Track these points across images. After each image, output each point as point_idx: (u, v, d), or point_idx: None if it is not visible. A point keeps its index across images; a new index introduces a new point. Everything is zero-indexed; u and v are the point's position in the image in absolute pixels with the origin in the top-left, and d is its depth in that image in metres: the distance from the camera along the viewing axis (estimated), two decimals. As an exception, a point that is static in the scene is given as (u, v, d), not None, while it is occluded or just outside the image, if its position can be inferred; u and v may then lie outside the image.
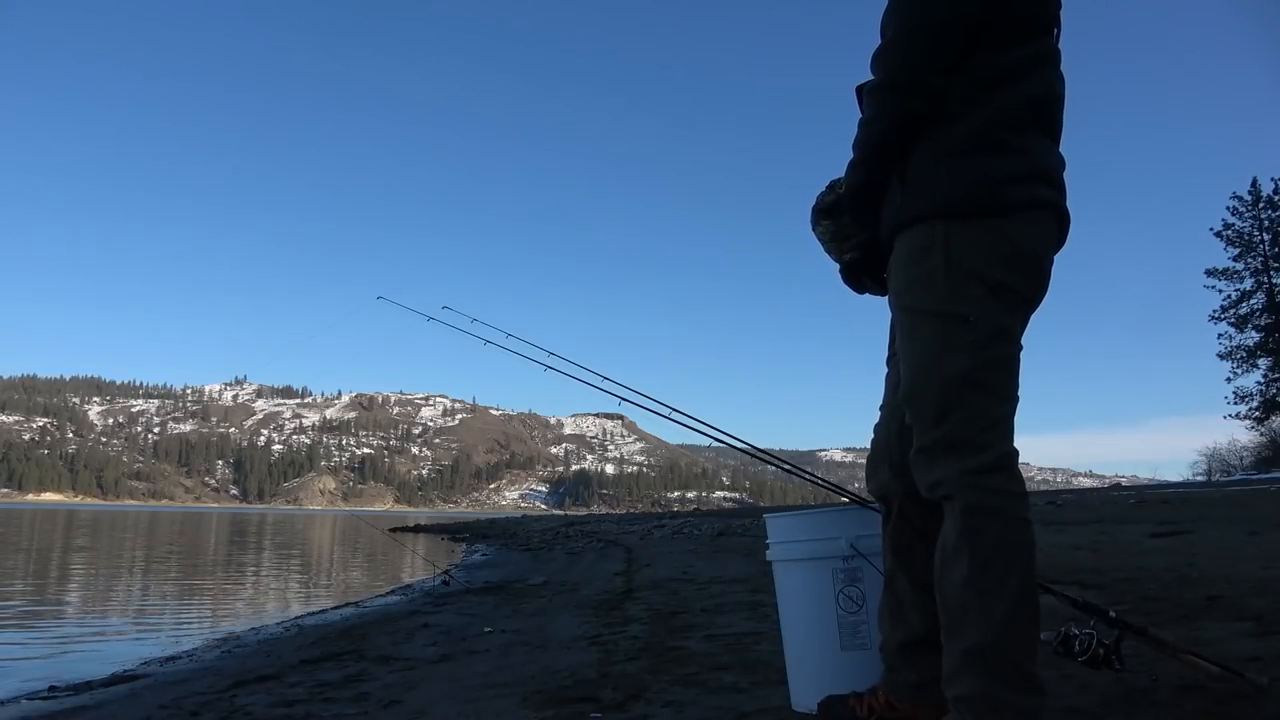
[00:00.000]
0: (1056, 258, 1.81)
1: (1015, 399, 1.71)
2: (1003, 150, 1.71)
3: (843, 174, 1.95)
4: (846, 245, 2.03)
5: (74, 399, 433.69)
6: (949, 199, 1.70)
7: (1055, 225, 1.77)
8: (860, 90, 1.86)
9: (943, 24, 1.69)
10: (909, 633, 1.88)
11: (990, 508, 1.63)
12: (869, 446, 2.05)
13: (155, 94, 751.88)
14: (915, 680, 1.85)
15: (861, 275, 2.02)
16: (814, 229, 2.10)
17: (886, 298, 1.90)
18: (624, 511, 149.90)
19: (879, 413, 2.03)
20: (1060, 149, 1.83)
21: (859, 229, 1.96)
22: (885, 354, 2.07)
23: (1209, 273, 41.05)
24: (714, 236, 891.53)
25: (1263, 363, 40.04)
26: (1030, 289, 1.74)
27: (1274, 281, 40.04)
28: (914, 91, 1.72)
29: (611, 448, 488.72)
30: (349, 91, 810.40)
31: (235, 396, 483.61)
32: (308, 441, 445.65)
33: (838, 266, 2.08)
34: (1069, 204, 1.81)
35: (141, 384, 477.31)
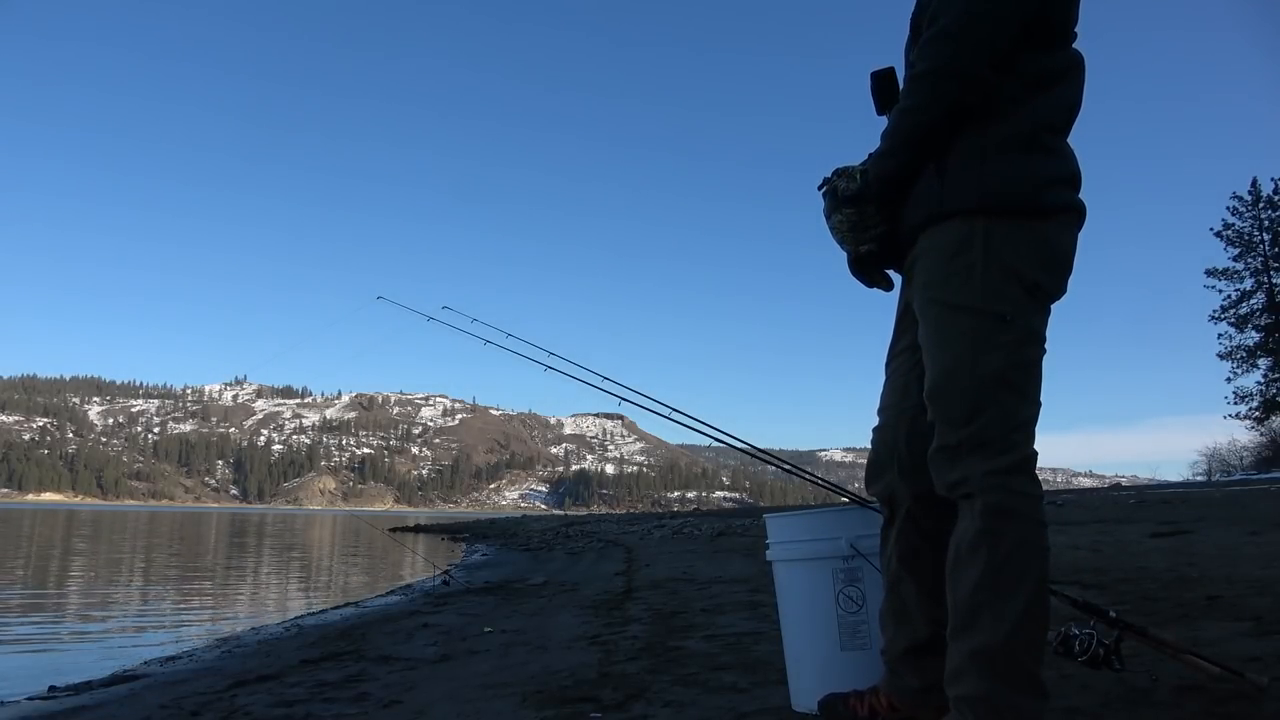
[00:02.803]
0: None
1: (1039, 403, 1.71)
2: (1045, 152, 1.71)
3: (847, 163, 1.89)
4: (865, 236, 1.90)
5: (74, 399, 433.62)
6: (992, 195, 1.69)
7: (1078, 228, 1.78)
8: (877, 76, 1.83)
9: (1004, 16, 1.67)
10: (913, 637, 1.86)
11: (1011, 509, 1.62)
12: (869, 448, 2.03)
13: (153, 84, 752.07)
14: (919, 685, 1.84)
15: (876, 268, 1.94)
16: (829, 218, 1.94)
17: (896, 294, 1.87)
18: (624, 511, 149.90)
19: (878, 416, 1.98)
20: None
21: (879, 220, 1.87)
22: (886, 354, 2.02)
23: (1209, 273, 41.06)
24: (714, 232, 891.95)
25: (1263, 363, 40.04)
26: (1057, 290, 1.75)
27: (1274, 281, 40.03)
28: (967, 81, 1.69)
29: (611, 448, 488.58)
30: (348, 83, 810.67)
31: (235, 396, 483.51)
32: (308, 441, 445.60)
33: (847, 259, 1.96)
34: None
35: (141, 384, 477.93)
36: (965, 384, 1.66)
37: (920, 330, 1.79)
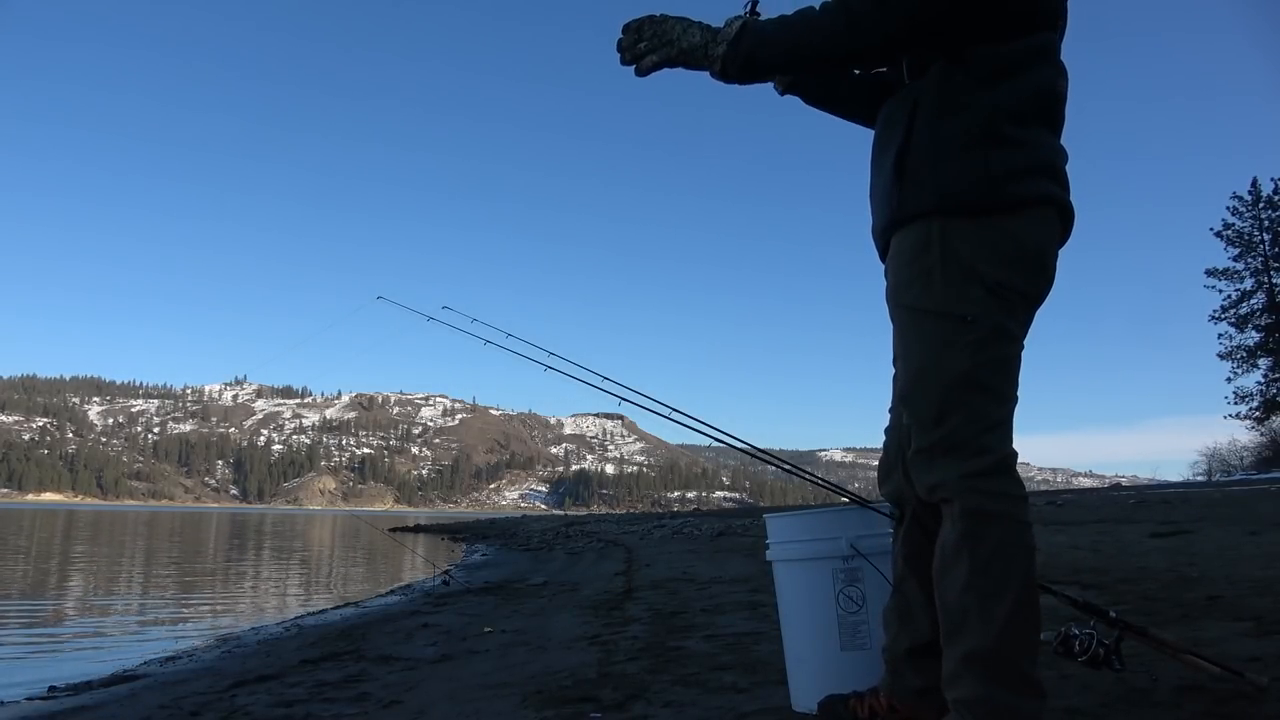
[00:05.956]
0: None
1: (1015, 400, 1.68)
2: (1004, 143, 1.65)
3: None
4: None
5: (74, 399, 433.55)
6: (947, 195, 1.66)
7: (1058, 220, 1.72)
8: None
9: None
10: (916, 637, 1.85)
11: (990, 511, 1.61)
12: (876, 448, 2.02)
13: (153, 83, 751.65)
14: (920, 686, 1.83)
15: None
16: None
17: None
18: (624, 511, 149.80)
19: (889, 415, 1.98)
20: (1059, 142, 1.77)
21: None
22: (891, 354, 2.04)
23: (1209, 273, 41.10)
24: (715, 232, 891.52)
25: (1263, 363, 40.06)
26: (1033, 286, 1.70)
27: (1274, 281, 40.05)
28: (878, 37, 1.62)
29: (611, 448, 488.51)
30: (349, 83, 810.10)
31: (235, 396, 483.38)
32: (308, 441, 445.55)
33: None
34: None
35: (141, 384, 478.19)
36: (932, 387, 1.65)
37: (892, 335, 1.79)
